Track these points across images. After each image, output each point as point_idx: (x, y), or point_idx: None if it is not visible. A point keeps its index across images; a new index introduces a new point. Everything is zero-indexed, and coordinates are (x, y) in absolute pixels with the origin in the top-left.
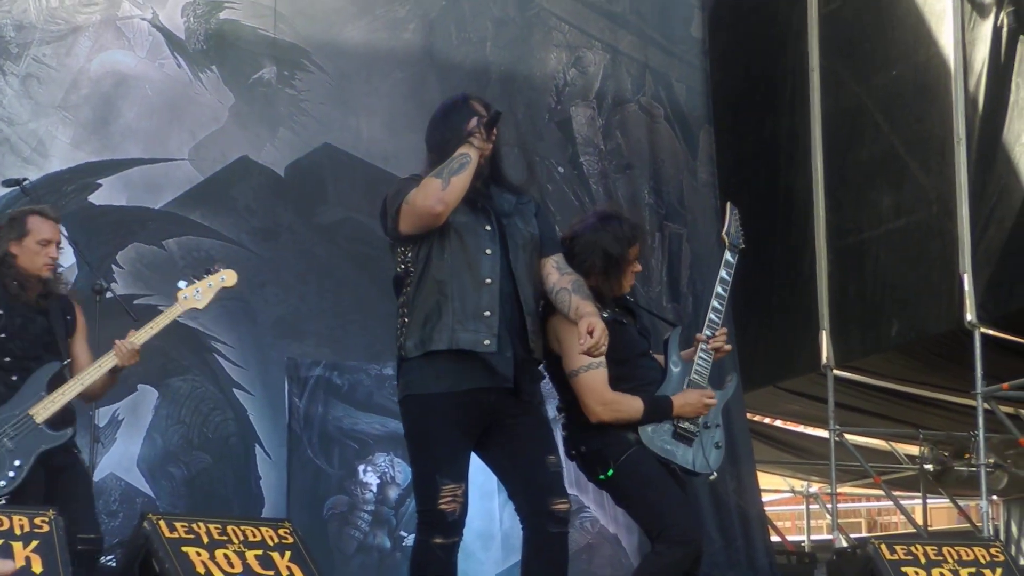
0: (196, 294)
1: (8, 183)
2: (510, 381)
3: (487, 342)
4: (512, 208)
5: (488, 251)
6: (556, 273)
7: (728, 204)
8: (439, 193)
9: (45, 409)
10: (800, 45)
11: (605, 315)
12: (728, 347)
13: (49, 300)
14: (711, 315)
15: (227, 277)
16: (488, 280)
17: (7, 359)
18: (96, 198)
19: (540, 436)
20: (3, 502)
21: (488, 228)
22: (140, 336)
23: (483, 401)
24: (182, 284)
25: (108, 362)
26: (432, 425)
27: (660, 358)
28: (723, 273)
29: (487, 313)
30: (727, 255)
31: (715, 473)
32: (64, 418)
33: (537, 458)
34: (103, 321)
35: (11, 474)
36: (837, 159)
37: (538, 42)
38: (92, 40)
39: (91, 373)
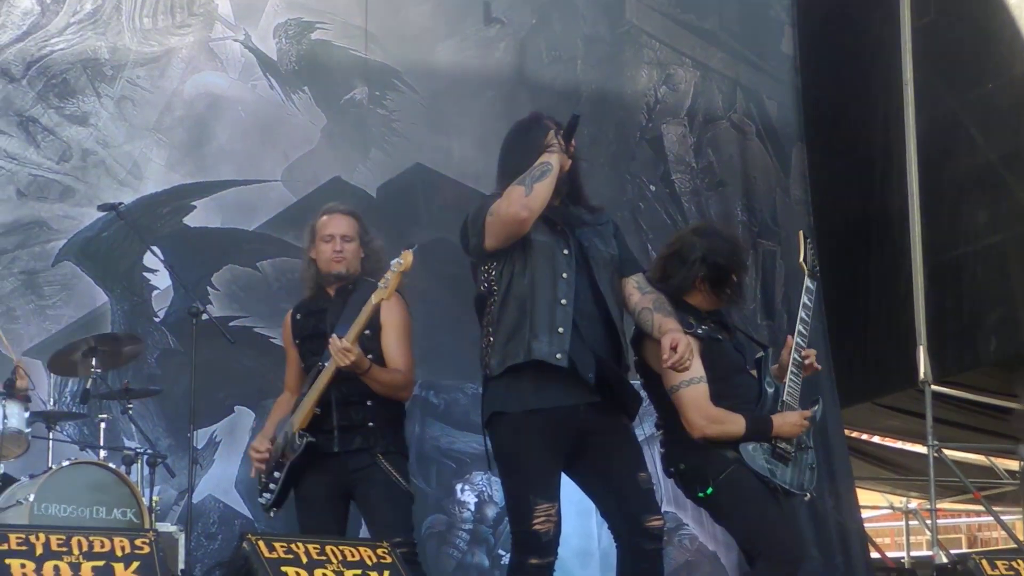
0: (383, 284)
1: (104, 208)
2: (595, 395)
3: (559, 356)
4: (591, 230)
5: (564, 275)
6: (637, 293)
7: (801, 233)
8: (523, 199)
9: (296, 416)
10: (894, 60)
11: (700, 331)
12: (817, 366)
13: (351, 296)
14: (797, 339)
15: (403, 260)
16: (563, 302)
17: (302, 365)
18: (191, 220)
19: (630, 454)
20: (272, 515)
21: (566, 252)
22: (349, 335)
23: (571, 419)
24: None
25: (331, 367)
26: (522, 446)
27: (754, 372)
28: (805, 299)
29: (560, 330)
30: (807, 282)
31: (809, 494)
32: (323, 429)
33: (628, 476)
34: (199, 342)
35: (272, 486)
36: (932, 174)
37: (629, 60)
38: (185, 62)
39: (321, 379)
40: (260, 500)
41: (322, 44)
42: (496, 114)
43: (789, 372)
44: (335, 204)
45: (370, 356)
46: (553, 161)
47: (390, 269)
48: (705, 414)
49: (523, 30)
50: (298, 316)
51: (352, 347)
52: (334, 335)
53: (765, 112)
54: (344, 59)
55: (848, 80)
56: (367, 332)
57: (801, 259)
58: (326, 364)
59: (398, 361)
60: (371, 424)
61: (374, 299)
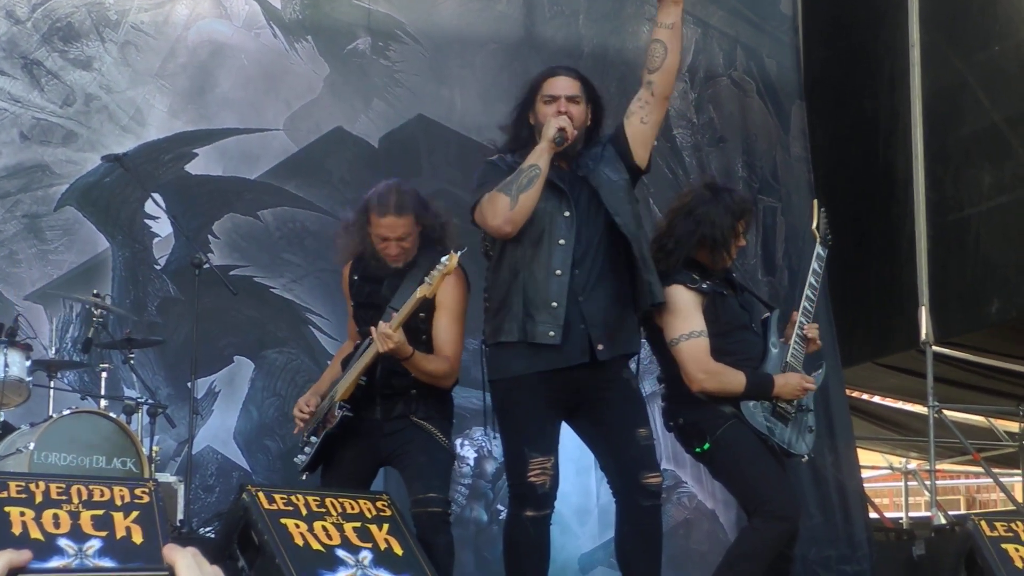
0: (428, 280)
1: (108, 158)
2: (587, 355)
3: (552, 333)
4: (597, 163)
5: (562, 241)
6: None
7: (815, 202)
8: (507, 213)
9: (341, 385)
10: (900, 21)
11: (704, 287)
12: (819, 343)
13: (409, 270)
14: (805, 304)
15: (449, 263)
16: (558, 272)
17: (358, 329)
18: (192, 168)
19: (630, 410)
20: (304, 478)
21: (567, 214)
22: (394, 322)
23: (567, 377)
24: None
25: (372, 350)
26: (519, 401)
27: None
28: (815, 266)
29: (554, 304)
30: (818, 248)
31: (807, 456)
32: (365, 395)
33: (627, 432)
34: (199, 291)
35: (307, 449)
36: (937, 136)
37: (630, 15)
38: (189, 9)
39: (367, 353)
40: (296, 460)
41: None
42: (498, 67)
43: (795, 335)
44: (386, 201)
45: (424, 337)
46: (542, 163)
47: (437, 267)
48: (704, 367)
49: None
50: (355, 277)
51: (393, 334)
52: (380, 323)
53: (765, 70)
54: (348, 9)
55: (854, 41)
56: (421, 314)
57: (814, 226)
58: (371, 350)
59: (445, 347)
60: (413, 391)
61: (418, 293)
